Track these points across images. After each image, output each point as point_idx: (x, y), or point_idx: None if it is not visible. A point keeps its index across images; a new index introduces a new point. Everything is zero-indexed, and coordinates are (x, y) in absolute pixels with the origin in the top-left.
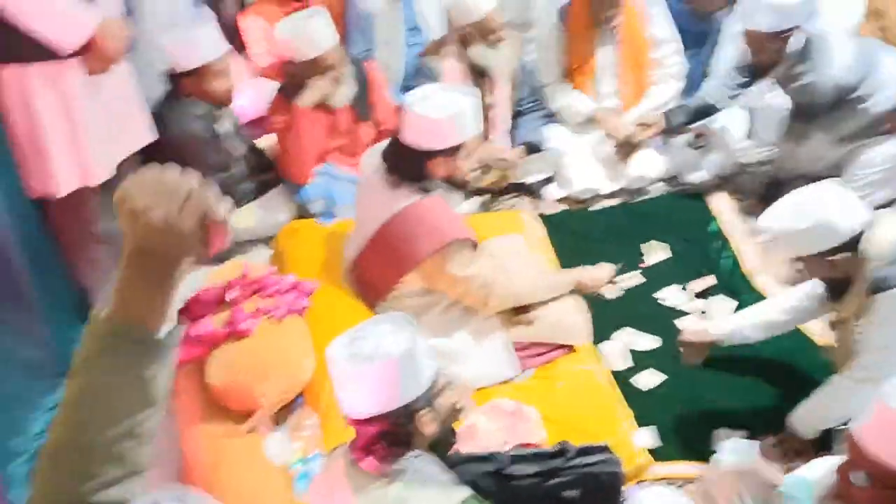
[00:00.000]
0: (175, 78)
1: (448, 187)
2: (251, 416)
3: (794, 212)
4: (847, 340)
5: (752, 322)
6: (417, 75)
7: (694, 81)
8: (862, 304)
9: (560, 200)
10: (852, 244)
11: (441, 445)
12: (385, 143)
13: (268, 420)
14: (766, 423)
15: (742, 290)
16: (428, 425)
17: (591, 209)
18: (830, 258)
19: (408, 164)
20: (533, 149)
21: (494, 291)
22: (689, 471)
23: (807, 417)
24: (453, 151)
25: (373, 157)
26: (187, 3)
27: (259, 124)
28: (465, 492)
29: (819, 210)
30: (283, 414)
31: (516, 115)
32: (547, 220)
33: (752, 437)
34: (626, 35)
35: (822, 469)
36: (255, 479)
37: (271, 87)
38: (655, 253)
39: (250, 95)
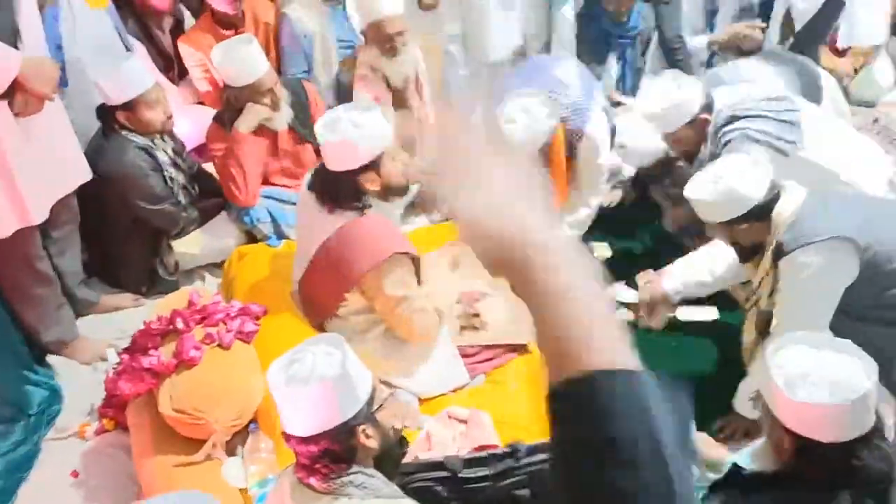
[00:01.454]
0: (108, 112)
1: (387, 199)
2: (205, 443)
3: (706, 183)
4: (762, 312)
5: (698, 276)
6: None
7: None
8: (770, 272)
9: None
10: (760, 212)
11: (390, 458)
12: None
13: (222, 446)
14: (714, 409)
15: None
16: (369, 440)
17: None
18: (738, 226)
19: (337, 189)
20: None
21: (420, 321)
22: None
23: (744, 396)
24: (374, 164)
25: (307, 182)
26: (114, 36)
27: (202, 150)
28: (409, 502)
29: (727, 181)
30: (238, 439)
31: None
32: None
33: (698, 424)
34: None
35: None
36: None
37: (205, 109)
38: (600, 250)
39: (192, 122)
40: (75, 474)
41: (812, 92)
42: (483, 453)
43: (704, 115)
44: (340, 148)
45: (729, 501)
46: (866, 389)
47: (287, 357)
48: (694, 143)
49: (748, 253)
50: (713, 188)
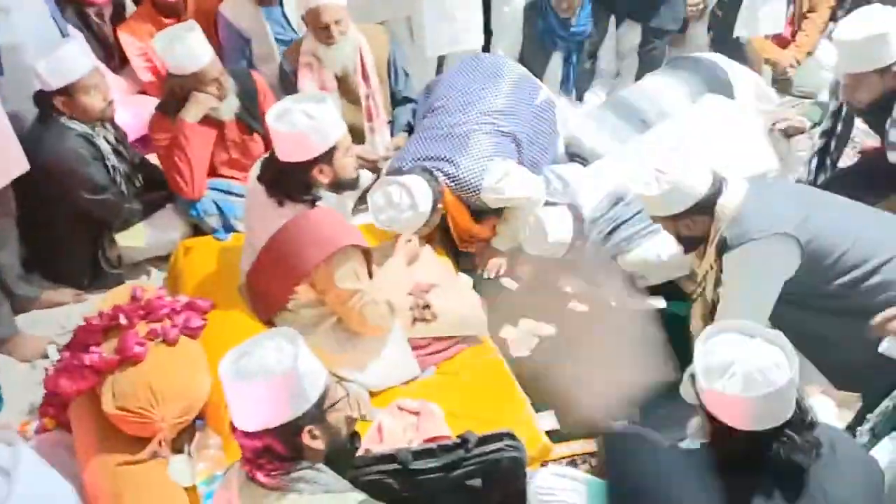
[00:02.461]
0: (46, 99)
1: (339, 191)
2: (151, 440)
3: (650, 177)
4: (708, 302)
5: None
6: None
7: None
8: (713, 265)
9: None
10: (703, 206)
11: (341, 456)
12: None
13: (168, 444)
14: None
15: None
16: (314, 441)
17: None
18: (682, 220)
19: (287, 180)
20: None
21: (371, 314)
22: (589, 447)
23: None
24: (327, 157)
25: (255, 173)
26: (51, 23)
27: (145, 141)
28: (359, 496)
29: (671, 176)
30: (184, 436)
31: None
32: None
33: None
34: None
35: None
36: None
37: (150, 99)
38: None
39: (134, 112)
40: None
41: (722, 90)
42: (433, 445)
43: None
44: (292, 139)
45: None
46: (782, 384)
47: (240, 349)
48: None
49: (691, 245)
50: (657, 184)
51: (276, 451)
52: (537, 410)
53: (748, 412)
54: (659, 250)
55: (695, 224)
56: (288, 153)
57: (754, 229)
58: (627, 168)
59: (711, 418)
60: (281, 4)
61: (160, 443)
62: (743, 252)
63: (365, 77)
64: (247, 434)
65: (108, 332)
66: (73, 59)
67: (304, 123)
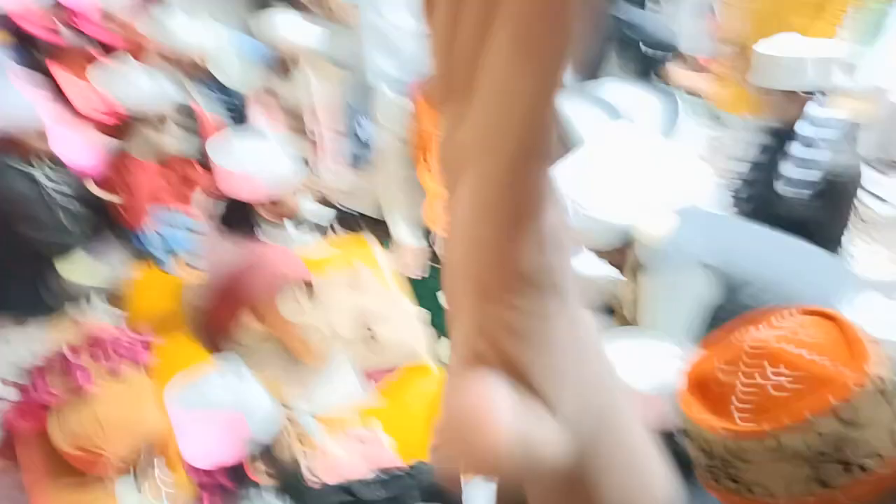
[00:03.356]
0: None
1: (282, 223)
2: (101, 476)
3: (570, 212)
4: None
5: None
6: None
7: None
8: (632, 284)
9: None
10: (626, 237)
11: (290, 488)
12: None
13: (118, 477)
14: None
15: None
16: (261, 476)
17: None
18: (609, 251)
19: (234, 216)
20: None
21: (314, 343)
22: None
23: None
24: (276, 196)
25: (206, 208)
26: None
27: (84, 170)
28: None
29: (591, 209)
30: (136, 468)
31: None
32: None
33: None
34: None
35: None
36: None
37: (92, 132)
38: None
39: (76, 139)
40: None
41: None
42: (384, 475)
43: None
44: (240, 179)
45: None
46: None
47: (187, 379)
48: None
49: (620, 269)
50: (578, 218)
51: (225, 486)
52: None
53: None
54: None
55: (619, 254)
56: (234, 191)
57: (675, 259)
58: None
59: None
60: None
61: (109, 474)
62: (663, 281)
63: (317, 114)
64: (196, 470)
65: (59, 369)
66: (17, 109)
67: (248, 162)
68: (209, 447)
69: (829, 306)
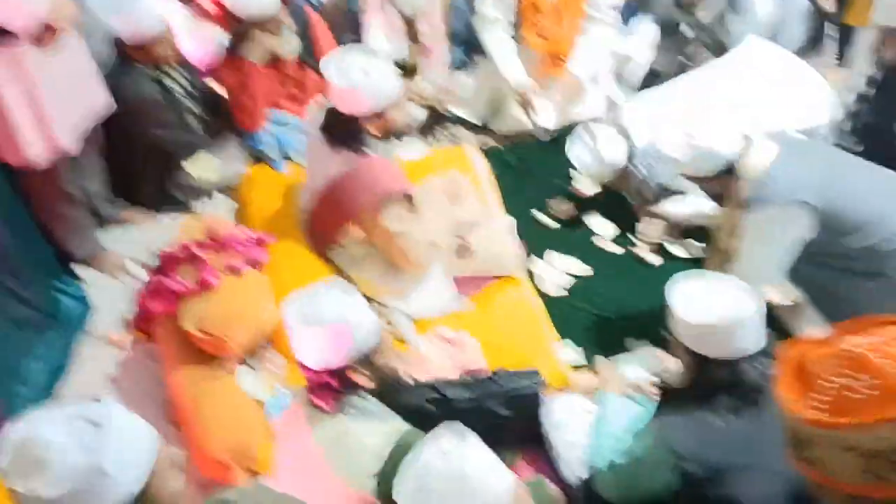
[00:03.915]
0: (122, 46)
1: (388, 140)
2: (224, 358)
3: (679, 141)
4: (721, 252)
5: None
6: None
7: None
8: (736, 221)
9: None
10: (731, 167)
11: (387, 390)
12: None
13: (239, 361)
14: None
15: None
16: (362, 378)
17: (526, 142)
18: (711, 180)
19: (341, 130)
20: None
21: (414, 253)
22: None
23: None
24: (380, 112)
25: (316, 117)
26: None
27: (208, 69)
28: (404, 425)
29: (703, 141)
30: (254, 356)
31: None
32: (490, 153)
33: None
34: None
35: None
36: (233, 411)
37: (216, 31)
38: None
39: (198, 40)
40: (113, 380)
41: None
42: (469, 377)
43: None
44: (348, 94)
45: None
46: (747, 316)
47: (303, 295)
48: None
49: (719, 200)
50: (687, 148)
51: (331, 384)
52: (563, 343)
53: (723, 341)
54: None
55: (721, 183)
56: (343, 105)
57: (775, 195)
58: (658, 124)
59: (689, 351)
60: None
61: (232, 361)
62: (762, 216)
63: (429, 18)
64: (307, 368)
65: (188, 262)
66: (148, 17)
67: (359, 80)
68: (318, 352)
69: None
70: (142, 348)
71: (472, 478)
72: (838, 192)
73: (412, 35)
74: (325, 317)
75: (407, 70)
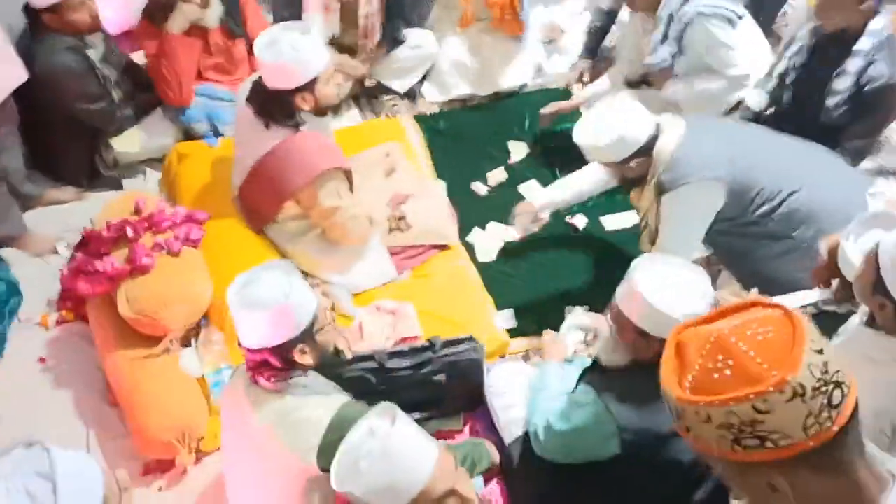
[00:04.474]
0: (35, 13)
1: (321, 115)
2: (162, 339)
3: (594, 128)
4: (652, 231)
5: (565, 192)
6: None
7: None
8: (653, 201)
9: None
10: (644, 150)
11: (328, 365)
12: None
13: (178, 341)
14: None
15: None
16: (304, 356)
17: (462, 108)
18: (626, 164)
19: (272, 105)
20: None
21: (353, 228)
22: (535, 343)
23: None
24: (310, 85)
25: (246, 91)
26: None
27: (130, 37)
28: (344, 398)
29: (614, 125)
30: (191, 333)
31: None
32: (422, 121)
33: (592, 310)
34: None
35: None
36: (174, 391)
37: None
38: (520, 150)
39: (116, 7)
40: (42, 360)
41: None
42: (405, 347)
43: None
44: (277, 69)
45: (594, 381)
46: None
47: (243, 278)
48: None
49: (633, 184)
50: (602, 134)
51: (273, 364)
52: (499, 310)
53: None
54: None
55: (636, 167)
56: (273, 81)
57: (687, 174)
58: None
59: (640, 333)
60: None
61: (171, 341)
62: (677, 195)
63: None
64: (248, 349)
65: (118, 242)
66: None
67: (288, 55)
68: (259, 336)
69: (837, 221)
70: (71, 327)
71: (396, 454)
72: (743, 164)
73: (346, 15)
74: (266, 300)
75: (341, 47)
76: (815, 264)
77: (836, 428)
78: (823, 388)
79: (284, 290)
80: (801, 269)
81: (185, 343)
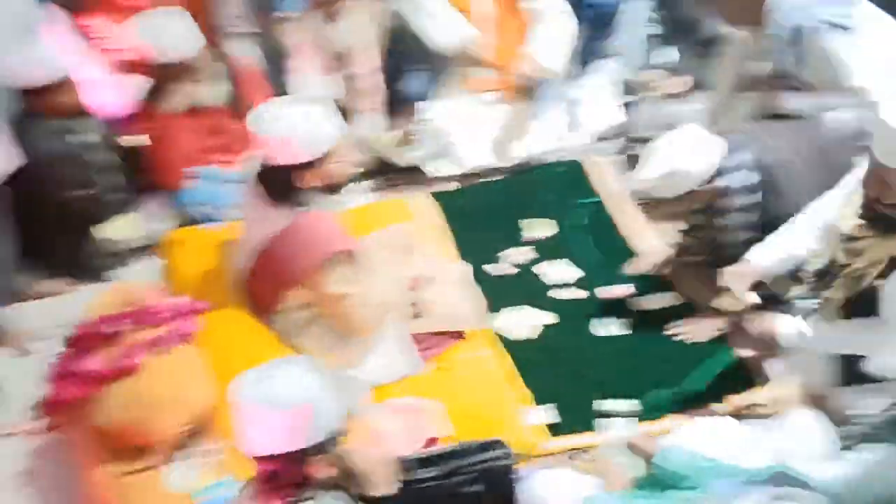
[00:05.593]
0: (25, 97)
1: (330, 193)
2: (149, 450)
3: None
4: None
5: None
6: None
7: None
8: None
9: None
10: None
11: (351, 484)
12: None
13: (169, 451)
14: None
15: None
16: (319, 472)
17: (477, 183)
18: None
19: (276, 183)
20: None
21: (362, 318)
22: (579, 442)
23: None
24: (318, 161)
25: (251, 169)
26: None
27: (127, 123)
28: None
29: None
30: (187, 441)
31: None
32: (440, 198)
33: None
34: None
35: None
36: None
37: (132, 82)
38: (537, 228)
39: (116, 91)
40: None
41: None
42: (434, 452)
43: None
44: (280, 144)
45: None
46: None
47: (259, 372)
48: None
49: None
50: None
51: (280, 477)
52: (539, 403)
53: None
54: None
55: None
56: (276, 157)
57: None
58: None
59: None
60: None
61: (160, 452)
62: None
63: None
64: (255, 457)
65: (105, 339)
66: (46, 58)
67: (292, 128)
68: (269, 438)
69: None
70: (55, 437)
71: None
72: None
73: (338, 70)
74: (284, 399)
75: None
76: None
77: None
78: None
79: (307, 389)
80: None
81: (175, 454)
